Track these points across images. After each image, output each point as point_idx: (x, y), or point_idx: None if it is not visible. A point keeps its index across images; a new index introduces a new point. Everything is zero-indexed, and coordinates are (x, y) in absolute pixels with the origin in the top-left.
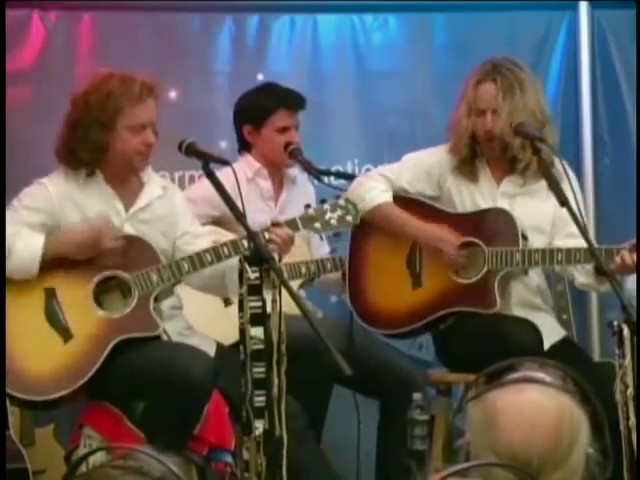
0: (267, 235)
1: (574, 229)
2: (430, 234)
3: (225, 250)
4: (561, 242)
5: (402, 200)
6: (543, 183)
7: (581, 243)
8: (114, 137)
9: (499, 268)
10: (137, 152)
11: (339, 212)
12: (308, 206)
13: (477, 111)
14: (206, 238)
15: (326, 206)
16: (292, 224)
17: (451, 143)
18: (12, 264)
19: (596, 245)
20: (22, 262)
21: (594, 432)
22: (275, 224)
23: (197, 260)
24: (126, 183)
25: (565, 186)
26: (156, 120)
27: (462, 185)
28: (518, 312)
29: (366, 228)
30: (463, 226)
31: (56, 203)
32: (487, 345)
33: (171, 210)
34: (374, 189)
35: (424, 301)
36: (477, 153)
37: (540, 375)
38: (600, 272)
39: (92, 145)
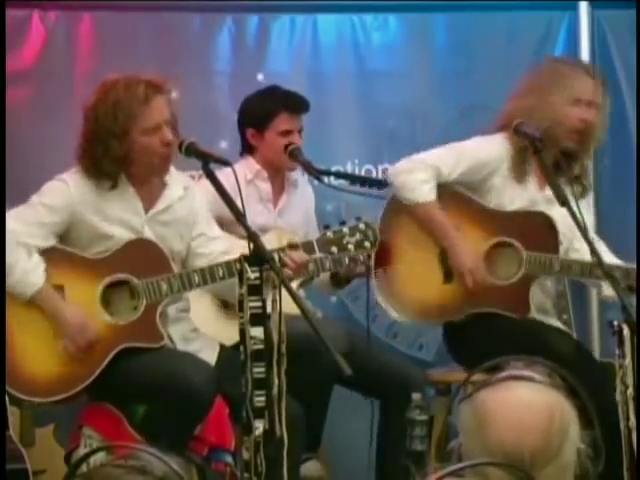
0: (282, 257)
1: (591, 234)
2: (459, 256)
3: (238, 266)
4: (579, 245)
5: (446, 192)
6: (575, 190)
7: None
8: (132, 145)
9: (536, 274)
10: (157, 154)
11: (358, 237)
12: (327, 227)
13: (574, 101)
14: (221, 241)
15: (345, 229)
16: (308, 247)
17: (544, 129)
18: (11, 281)
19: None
20: (17, 287)
21: (584, 426)
22: (291, 246)
23: (209, 274)
24: (148, 183)
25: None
26: (171, 117)
27: (508, 183)
28: (535, 316)
29: (403, 207)
30: (500, 224)
31: (76, 200)
32: (523, 350)
33: (190, 211)
34: (427, 183)
35: (454, 298)
36: (527, 154)
37: (527, 372)
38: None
39: (114, 158)
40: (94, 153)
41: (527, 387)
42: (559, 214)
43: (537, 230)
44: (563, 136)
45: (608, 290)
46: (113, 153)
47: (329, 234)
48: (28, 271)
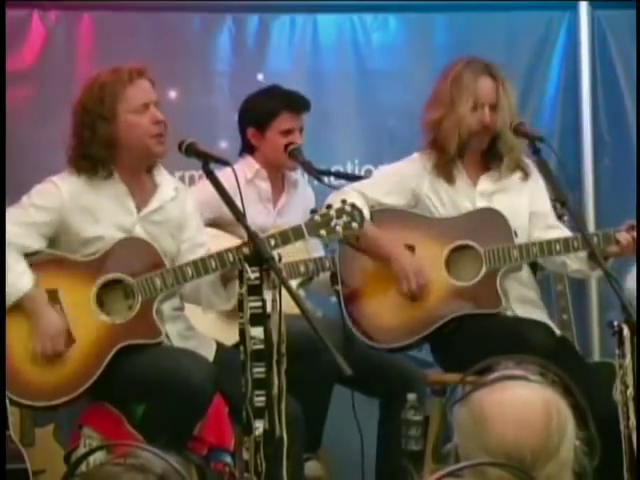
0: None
1: (551, 221)
2: (397, 265)
3: (230, 256)
4: (540, 233)
5: (386, 213)
6: (515, 178)
7: (562, 234)
8: (120, 125)
9: (498, 266)
10: (149, 133)
11: (345, 218)
12: (314, 211)
13: (476, 106)
14: (205, 247)
15: (332, 212)
16: (297, 231)
17: (439, 140)
18: None
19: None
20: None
21: (578, 422)
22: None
23: (201, 266)
24: (140, 182)
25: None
26: (157, 101)
27: (440, 189)
28: (518, 308)
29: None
30: (452, 230)
31: (66, 202)
32: (502, 347)
33: (181, 213)
34: None
35: (426, 311)
36: (449, 157)
37: (520, 372)
38: (593, 259)
39: (103, 141)
40: (83, 143)
41: (523, 386)
42: (505, 207)
43: (488, 225)
44: (473, 141)
45: (574, 264)
46: (101, 135)
47: (317, 218)
48: (16, 275)
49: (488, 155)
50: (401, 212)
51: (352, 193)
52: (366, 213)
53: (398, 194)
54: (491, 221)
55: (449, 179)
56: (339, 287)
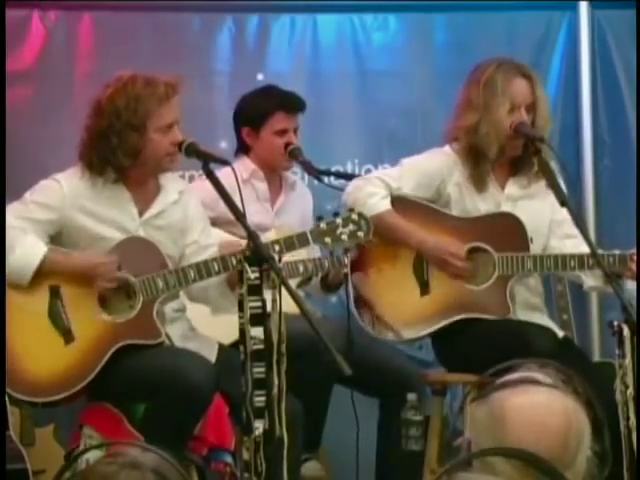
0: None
1: (569, 230)
2: (435, 245)
3: (233, 260)
4: (557, 243)
5: (405, 203)
6: (541, 185)
7: (577, 244)
8: (146, 140)
9: (510, 274)
10: (167, 153)
11: (351, 227)
12: (320, 218)
13: (513, 108)
14: (212, 249)
15: (338, 220)
16: (302, 238)
17: (477, 146)
18: (13, 259)
19: (603, 251)
20: (16, 269)
21: (594, 434)
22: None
23: (204, 268)
24: (143, 186)
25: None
26: (179, 119)
27: (466, 195)
28: (521, 314)
29: None
30: (469, 231)
31: (68, 201)
32: (507, 349)
33: (184, 216)
34: (375, 195)
35: (433, 309)
36: (479, 160)
37: (541, 376)
38: (605, 274)
39: (129, 150)
40: (107, 147)
41: (545, 392)
42: (529, 213)
43: (505, 230)
44: (508, 146)
45: (590, 280)
46: (130, 145)
47: (322, 225)
48: (30, 244)
49: (517, 158)
50: (421, 205)
51: (375, 181)
52: (388, 204)
53: (423, 189)
54: (509, 227)
55: (480, 188)
56: (349, 285)
